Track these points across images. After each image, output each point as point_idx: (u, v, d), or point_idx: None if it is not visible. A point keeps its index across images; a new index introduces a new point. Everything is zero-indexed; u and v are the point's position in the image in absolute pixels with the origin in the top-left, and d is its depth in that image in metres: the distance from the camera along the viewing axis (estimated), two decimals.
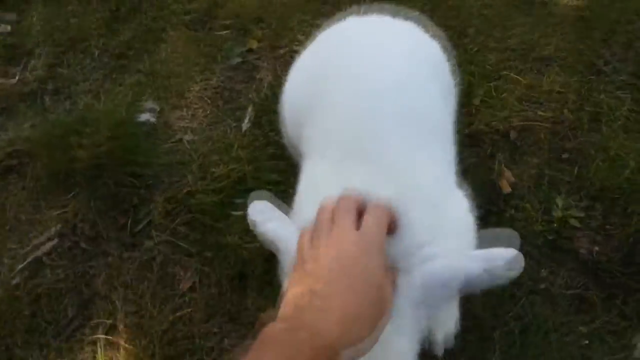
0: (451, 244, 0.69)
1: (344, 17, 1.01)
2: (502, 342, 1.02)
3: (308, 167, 0.82)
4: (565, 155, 1.27)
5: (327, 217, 0.58)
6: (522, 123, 1.33)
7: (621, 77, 1.43)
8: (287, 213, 0.73)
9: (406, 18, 0.98)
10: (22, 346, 1.14)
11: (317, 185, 0.76)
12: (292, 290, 0.54)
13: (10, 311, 1.18)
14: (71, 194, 1.36)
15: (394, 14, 0.98)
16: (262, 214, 0.71)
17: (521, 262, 0.61)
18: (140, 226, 1.29)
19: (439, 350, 0.93)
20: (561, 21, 1.58)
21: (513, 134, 1.31)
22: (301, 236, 0.59)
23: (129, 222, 1.30)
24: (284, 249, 0.66)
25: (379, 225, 0.57)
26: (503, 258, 0.60)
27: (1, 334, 1.16)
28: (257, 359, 0.46)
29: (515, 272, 0.62)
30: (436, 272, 0.61)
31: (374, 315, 0.52)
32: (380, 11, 1.00)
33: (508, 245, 0.62)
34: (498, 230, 0.70)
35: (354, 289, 0.52)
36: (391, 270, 0.59)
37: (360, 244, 0.54)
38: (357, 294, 0.51)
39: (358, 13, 1.02)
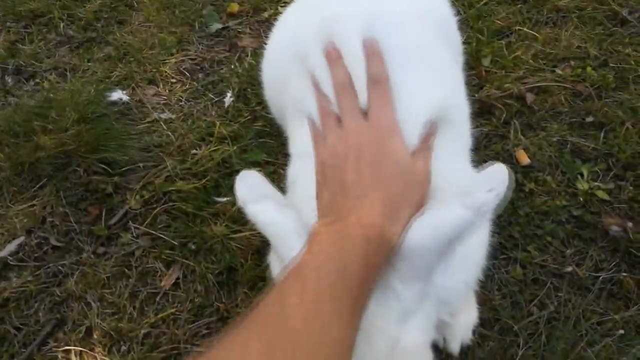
0: None
1: None
2: (525, 335, 0.90)
3: (296, 135, 0.68)
4: (589, 119, 1.14)
5: (332, 112, 0.57)
6: (538, 84, 1.19)
7: None
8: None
9: None
10: None
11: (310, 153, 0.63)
12: (323, 194, 0.54)
13: None
14: (38, 186, 1.23)
15: None
16: (254, 190, 0.60)
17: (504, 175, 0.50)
18: (116, 218, 1.16)
19: (455, 347, 0.82)
20: None
21: (529, 97, 1.17)
22: (315, 139, 0.59)
23: (103, 213, 1.17)
24: (280, 236, 0.56)
25: (385, 103, 0.55)
26: (485, 181, 0.50)
27: None
28: (308, 257, 0.46)
29: (503, 190, 0.50)
30: (417, 244, 0.50)
31: (413, 192, 0.52)
32: None
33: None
34: None
35: (385, 173, 0.52)
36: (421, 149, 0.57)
37: (375, 127, 0.54)
38: (389, 176, 0.51)
39: None
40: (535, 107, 1.16)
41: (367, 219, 0.48)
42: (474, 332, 0.84)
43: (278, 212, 0.57)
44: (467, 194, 0.50)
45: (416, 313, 0.53)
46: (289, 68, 0.73)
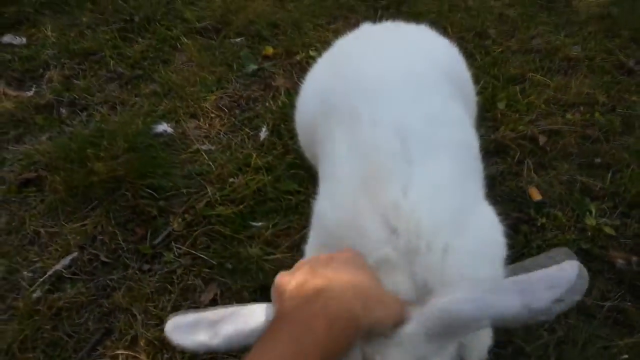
0: (473, 260, 0.62)
1: (359, 25, 0.99)
2: (536, 357, 0.97)
3: (323, 193, 0.76)
4: (597, 160, 1.22)
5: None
6: (550, 127, 1.29)
7: None
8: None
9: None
10: None
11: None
12: (296, 277, 0.54)
13: (32, 326, 1.17)
14: (90, 207, 1.35)
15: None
16: (183, 330, 0.60)
17: (581, 286, 0.48)
18: (160, 238, 1.26)
19: None
20: (586, 20, 1.54)
21: (542, 139, 1.26)
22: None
23: (148, 234, 1.27)
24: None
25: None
26: (547, 285, 0.48)
27: (22, 349, 1.14)
28: (271, 345, 0.45)
29: (567, 302, 0.47)
30: (456, 309, 0.52)
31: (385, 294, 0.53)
32: (395, 17, 0.98)
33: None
34: (542, 256, 0.62)
35: (361, 272, 0.54)
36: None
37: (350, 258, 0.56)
38: (365, 276, 0.54)
39: (373, 19, 1.00)
40: (547, 148, 1.26)
41: (336, 303, 0.48)
42: (489, 353, 0.92)
43: (239, 324, 0.58)
44: (530, 290, 0.48)
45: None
46: (318, 125, 0.82)
